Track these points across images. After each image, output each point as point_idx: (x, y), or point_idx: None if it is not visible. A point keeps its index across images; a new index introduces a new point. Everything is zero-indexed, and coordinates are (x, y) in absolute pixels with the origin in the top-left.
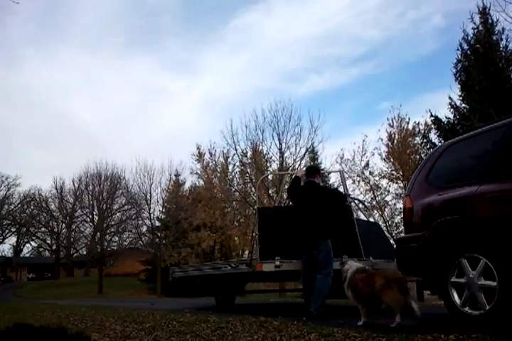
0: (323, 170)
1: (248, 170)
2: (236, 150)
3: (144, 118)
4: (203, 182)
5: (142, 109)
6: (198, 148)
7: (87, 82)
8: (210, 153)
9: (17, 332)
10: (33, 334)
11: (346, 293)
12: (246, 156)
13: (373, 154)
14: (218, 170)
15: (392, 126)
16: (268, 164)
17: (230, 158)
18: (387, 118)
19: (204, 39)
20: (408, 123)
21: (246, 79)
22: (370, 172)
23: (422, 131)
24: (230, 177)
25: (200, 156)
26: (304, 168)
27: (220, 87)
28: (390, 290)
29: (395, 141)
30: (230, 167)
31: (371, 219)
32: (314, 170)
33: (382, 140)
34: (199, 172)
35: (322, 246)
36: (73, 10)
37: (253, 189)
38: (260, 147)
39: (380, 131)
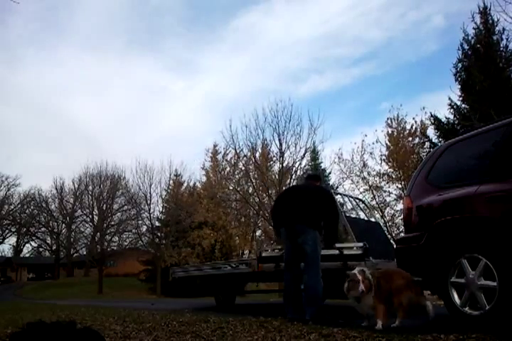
0: (324, 169)
1: (250, 171)
2: (235, 150)
3: (145, 119)
4: (205, 180)
5: (143, 109)
6: (215, 145)
7: (87, 82)
8: (225, 153)
9: (32, 331)
10: (46, 330)
11: (363, 298)
12: (250, 158)
13: (371, 153)
14: (227, 170)
15: (391, 126)
16: (268, 164)
17: (233, 158)
18: (387, 118)
19: (205, 39)
20: (406, 122)
21: (247, 79)
22: (368, 172)
23: (419, 130)
24: (237, 177)
25: (214, 154)
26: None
27: (222, 87)
28: (408, 291)
29: (394, 141)
30: (234, 167)
31: (372, 219)
32: (317, 177)
33: (380, 142)
34: (208, 169)
35: (309, 234)
36: (74, 10)
37: (253, 188)
38: (261, 147)
39: (377, 131)
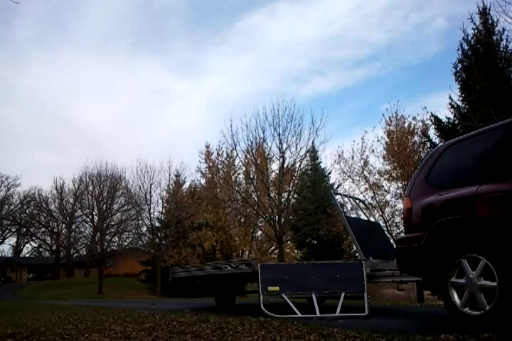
0: (323, 169)
1: (250, 170)
2: (236, 150)
3: (147, 119)
4: (204, 182)
5: (146, 110)
6: (207, 147)
7: (90, 83)
8: (218, 154)
9: None
10: None
11: None
12: (250, 158)
13: (373, 151)
14: (224, 170)
15: (390, 125)
16: (269, 164)
17: (234, 158)
18: (383, 114)
19: (209, 41)
20: (406, 119)
21: (250, 80)
22: (369, 171)
23: (420, 129)
24: (234, 177)
25: (207, 155)
26: None
27: (225, 88)
28: None
29: (394, 140)
30: (234, 167)
31: (371, 219)
32: None
33: (379, 140)
34: (204, 171)
35: None
36: (79, 12)
37: (253, 188)
38: (262, 147)
39: (375, 128)
